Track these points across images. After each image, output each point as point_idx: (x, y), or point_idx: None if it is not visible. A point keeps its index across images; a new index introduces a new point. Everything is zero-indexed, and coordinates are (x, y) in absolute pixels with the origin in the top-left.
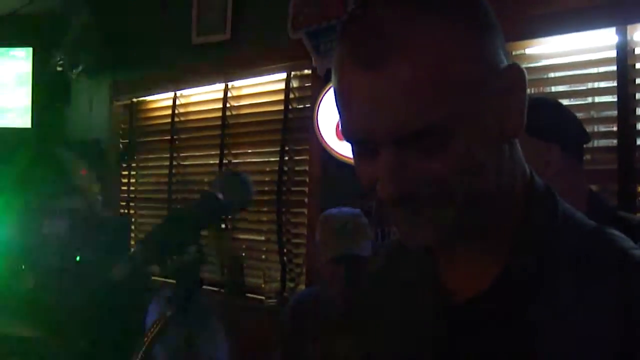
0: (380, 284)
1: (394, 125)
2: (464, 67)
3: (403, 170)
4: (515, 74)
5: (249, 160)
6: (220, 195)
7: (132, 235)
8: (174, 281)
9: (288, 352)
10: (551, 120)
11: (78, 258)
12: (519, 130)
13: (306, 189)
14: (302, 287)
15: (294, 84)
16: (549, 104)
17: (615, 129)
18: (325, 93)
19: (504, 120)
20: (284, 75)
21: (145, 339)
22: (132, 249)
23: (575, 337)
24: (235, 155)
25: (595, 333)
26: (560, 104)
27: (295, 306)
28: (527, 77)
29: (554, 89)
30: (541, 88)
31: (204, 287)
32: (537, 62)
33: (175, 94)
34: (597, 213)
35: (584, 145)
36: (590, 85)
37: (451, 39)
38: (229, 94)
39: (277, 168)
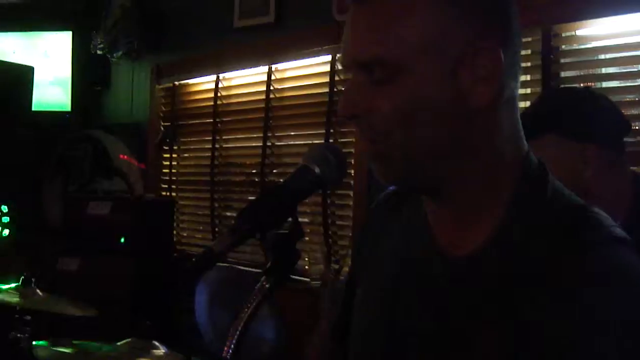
0: (380, 231)
1: (352, 52)
2: (421, 26)
3: (356, 92)
4: (490, 60)
5: (292, 142)
6: (316, 169)
7: (174, 217)
8: (272, 254)
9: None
10: (584, 119)
11: (122, 240)
12: (480, 104)
13: (352, 171)
14: (347, 269)
15: (339, 66)
16: (580, 100)
17: None
18: None
19: (465, 91)
20: (329, 57)
21: (246, 310)
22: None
23: (544, 306)
24: (279, 138)
25: (561, 303)
26: (593, 97)
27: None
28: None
29: (604, 70)
30: (591, 70)
31: (250, 268)
32: (587, 44)
33: (217, 77)
34: None
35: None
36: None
37: (420, 8)
38: (273, 77)
39: None
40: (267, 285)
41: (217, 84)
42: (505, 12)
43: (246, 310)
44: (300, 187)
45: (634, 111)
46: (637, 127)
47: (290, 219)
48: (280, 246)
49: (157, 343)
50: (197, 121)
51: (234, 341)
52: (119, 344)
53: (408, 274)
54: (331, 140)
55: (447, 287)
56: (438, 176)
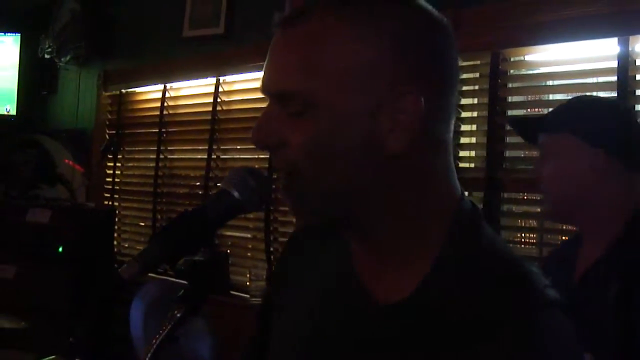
0: (299, 268)
1: (268, 81)
2: (343, 60)
3: (270, 122)
4: (411, 106)
5: (238, 156)
6: (236, 194)
7: (116, 227)
8: (185, 281)
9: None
10: (601, 124)
11: (61, 249)
12: (396, 150)
13: None
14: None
15: None
16: (605, 108)
17: None
18: None
19: (382, 134)
20: None
21: (154, 340)
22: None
23: None
24: (225, 151)
25: None
26: (620, 110)
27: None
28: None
29: (551, 97)
30: (538, 96)
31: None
32: (535, 69)
33: (165, 86)
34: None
35: None
36: (588, 94)
37: (342, 42)
38: (220, 89)
39: (267, 165)
40: (178, 315)
41: (164, 94)
42: (438, 51)
43: (154, 340)
44: (218, 213)
45: None
46: None
47: (208, 245)
48: (194, 274)
49: None
50: (142, 130)
51: None
52: None
53: (331, 317)
54: None
55: (371, 335)
56: (354, 218)
